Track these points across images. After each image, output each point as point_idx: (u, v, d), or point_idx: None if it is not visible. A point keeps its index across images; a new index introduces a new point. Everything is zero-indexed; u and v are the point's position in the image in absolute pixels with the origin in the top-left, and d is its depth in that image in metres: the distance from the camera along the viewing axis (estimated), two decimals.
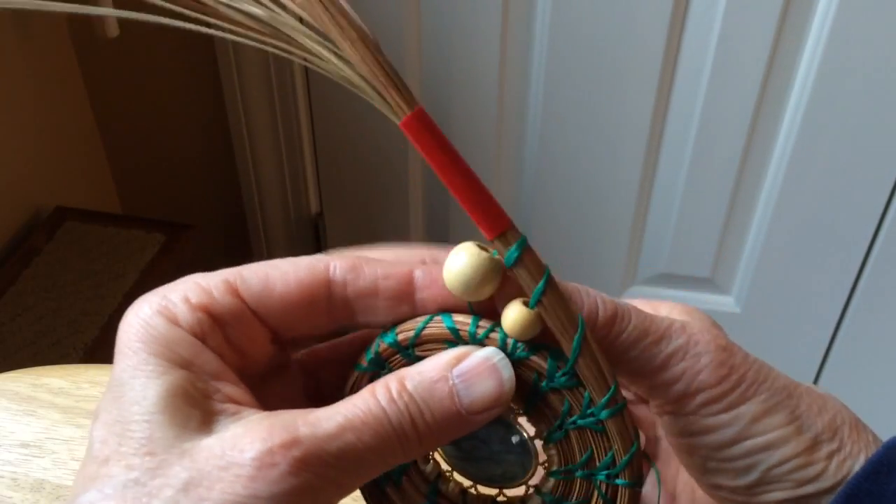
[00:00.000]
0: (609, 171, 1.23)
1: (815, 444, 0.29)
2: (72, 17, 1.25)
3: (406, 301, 0.29)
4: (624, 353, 0.29)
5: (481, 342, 0.28)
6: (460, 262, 0.27)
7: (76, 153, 1.34)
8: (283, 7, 0.25)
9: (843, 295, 1.26)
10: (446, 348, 0.28)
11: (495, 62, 1.16)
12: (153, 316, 0.27)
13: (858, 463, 0.29)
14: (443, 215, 1.35)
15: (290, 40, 0.26)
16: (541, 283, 0.27)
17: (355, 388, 0.30)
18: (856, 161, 1.13)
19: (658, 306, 0.33)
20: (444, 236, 1.38)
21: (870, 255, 1.21)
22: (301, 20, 0.26)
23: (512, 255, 0.27)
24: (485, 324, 0.28)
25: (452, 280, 0.28)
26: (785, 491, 0.30)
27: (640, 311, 0.30)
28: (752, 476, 0.29)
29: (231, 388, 0.27)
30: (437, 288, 0.29)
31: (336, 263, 0.29)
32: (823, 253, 1.23)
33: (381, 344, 0.29)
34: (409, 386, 0.27)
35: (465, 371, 0.27)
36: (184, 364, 0.26)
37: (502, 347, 0.28)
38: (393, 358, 0.29)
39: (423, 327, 0.29)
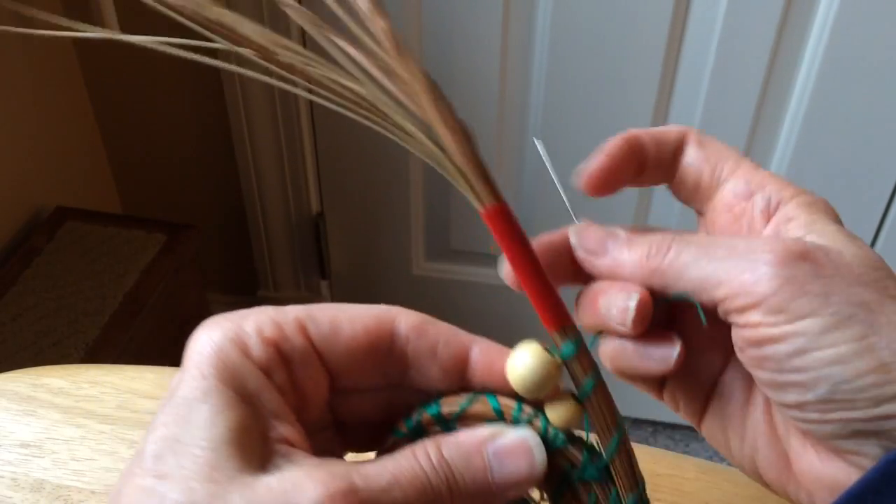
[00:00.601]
0: None
1: (893, 361, 0.28)
2: (73, 17, 1.25)
3: (458, 372, 0.30)
4: (684, 272, 0.31)
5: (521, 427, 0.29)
6: (524, 362, 0.29)
7: (77, 153, 1.34)
8: (384, 89, 0.27)
9: None
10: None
11: (496, 62, 1.16)
12: (226, 343, 0.28)
13: None
14: (443, 215, 1.35)
15: (383, 115, 0.27)
16: (591, 381, 0.28)
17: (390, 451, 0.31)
18: (857, 161, 1.13)
19: (783, 188, 0.34)
20: (445, 236, 1.38)
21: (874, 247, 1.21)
22: (391, 96, 0.27)
23: (569, 350, 0.28)
24: (529, 410, 0.29)
25: (515, 378, 0.29)
26: (860, 410, 0.28)
27: (700, 239, 0.31)
28: (821, 390, 0.28)
29: (287, 429, 0.28)
30: (490, 373, 0.30)
31: (403, 318, 0.30)
32: None
33: (424, 414, 0.30)
34: (447, 454, 0.28)
35: (501, 448, 0.28)
36: (249, 398, 0.27)
37: (543, 435, 0.29)
38: (433, 428, 0.30)
39: (469, 405, 0.29)
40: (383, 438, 0.31)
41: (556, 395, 0.29)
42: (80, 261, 1.17)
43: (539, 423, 0.29)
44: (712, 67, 1.09)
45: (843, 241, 0.32)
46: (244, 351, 0.28)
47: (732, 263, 0.30)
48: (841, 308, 0.29)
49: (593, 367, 0.28)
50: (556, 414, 0.29)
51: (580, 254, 0.33)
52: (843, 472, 0.30)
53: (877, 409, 0.28)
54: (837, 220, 0.33)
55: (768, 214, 0.34)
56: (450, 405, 0.30)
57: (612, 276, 0.33)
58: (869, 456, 0.29)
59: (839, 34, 1.03)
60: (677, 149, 0.36)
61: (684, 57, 1.11)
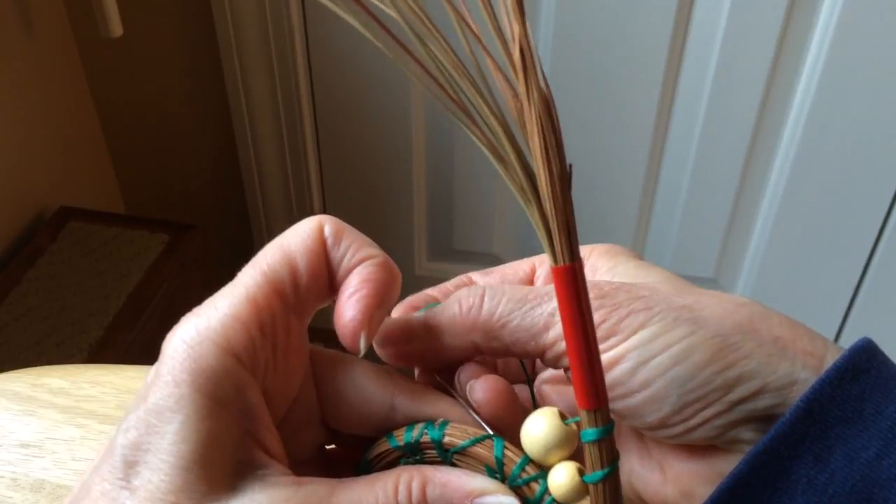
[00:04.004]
0: (613, 174, 1.23)
1: (725, 346, 0.29)
2: (75, 17, 1.25)
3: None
4: (508, 322, 0.30)
5: (518, 487, 0.28)
6: (539, 428, 0.28)
7: (80, 153, 1.34)
8: (491, 108, 0.24)
9: (847, 296, 1.26)
10: (483, 471, 0.28)
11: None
12: (201, 343, 0.27)
13: (787, 359, 0.29)
14: (446, 216, 1.35)
15: (486, 127, 0.25)
16: (608, 470, 0.27)
17: (379, 459, 0.30)
18: (860, 163, 1.13)
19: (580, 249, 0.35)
20: (448, 237, 1.38)
21: (873, 255, 1.21)
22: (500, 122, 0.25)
23: (592, 435, 0.27)
24: (530, 470, 0.28)
25: (527, 442, 0.28)
26: (715, 404, 0.29)
27: (513, 287, 0.31)
28: (672, 398, 0.29)
29: (263, 433, 0.27)
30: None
31: (327, 226, 0.30)
32: (827, 254, 1.22)
33: (425, 435, 0.29)
34: (430, 495, 0.27)
35: None
36: (225, 403, 0.26)
37: (537, 500, 0.28)
38: (429, 451, 0.29)
39: (472, 444, 0.29)
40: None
41: (565, 465, 0.28)
42: (84, 261, 1.17)
43: (538, 487, 0.28)
44: (715, 69, 1.09)
45: (645, 273, 0.33)
46: (221, 345, 0.27)
47: (555, 306, 0.30)
48: (665, 314, 0.29)
49: (613, 458, 0.27)
50: (558, 484, 0.27)
51: (389, 350, 0.32)
52: (724, 463, 0.30)
53: (730, 395, 0.29)
54: (634, 256, 0.35)
55: None
56: (453, 437, 0.29)
57: (431, 354, 0.32)
58: (747, 442, 0.29)
59: (842, 34, 1.02)
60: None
61: (687, 59, 1.10)
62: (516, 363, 0.36)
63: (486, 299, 0.31)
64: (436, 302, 0.34)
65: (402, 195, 1.33)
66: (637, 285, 0.31)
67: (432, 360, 0.32)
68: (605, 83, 1.15)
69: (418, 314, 0.32)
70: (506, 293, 0.31)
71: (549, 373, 0.35)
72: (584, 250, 0.35)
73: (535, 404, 0.35)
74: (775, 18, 1.04)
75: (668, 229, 1.27)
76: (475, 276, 0.37)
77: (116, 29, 1.18)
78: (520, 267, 0.36)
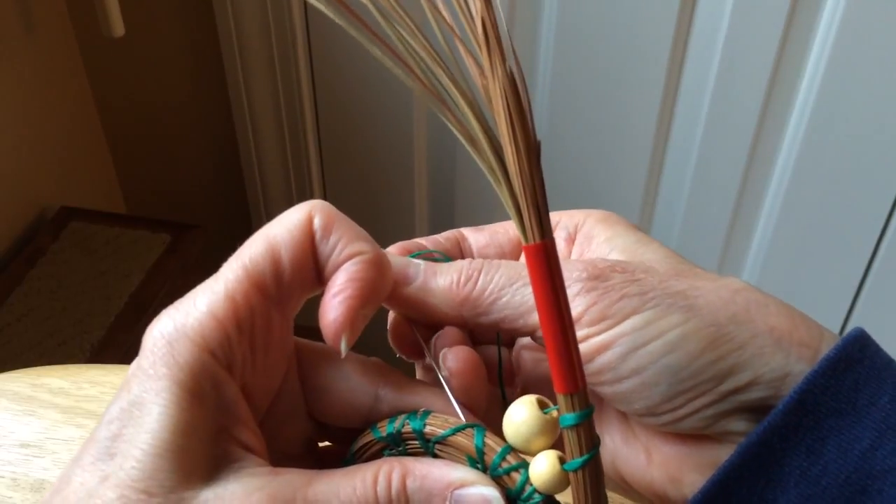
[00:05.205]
0: (615, 173, 1.23)
1: (719, 336, 0.28)
2: (77, 17, 1.25)
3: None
4: (498, 298, 0.30)
5: (499, 476, 0.28)
6: (520, 416, 0.28)
7: (81, 153, 1.34)
8: (460, 88, 0.24)
9: (850, 295, 1.26)
10: (465, 461, 0.28)
11: None
12: (179, 338, 0.26)
13: (781, 350, 0.29)
14: (447, 212, 1.35)
15: (458, 115, 0.25)
16: (587, 456, 0.26)
17: (363, 451, 0.30)
18: (863, 161, 1.13)
19: (574, 214, 0.35)
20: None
21: (875, 256, 1.20)
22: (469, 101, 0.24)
23: (570, 420, 0.26)
24: (511, 460, 0.28)
25: (508, 430, 0.28)
26: (708, 394, 0.28)
27: (510, 263, 0.31)
28: (663, 386, 0.28)
29: (241, 428, 0.27)
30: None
31: (317, 213, 0.30)
32: (829, 254, 1.22)
33: (407, 425, 0.29)
34: (410, 487, 0.27)
35: (464, 499, 0.27)
36: (203, 397, 0.26)
37: (518, 490, 0.27)
38: (411, 442, 0.29)
39: (453, 433, 0.28)
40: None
41: (546, 453, 0.27)
42: (85, 261, 1.17)
43: (519, 476, 0.27)
44: (717, 70, 1.09)
45: (643, 249, 0.32)
46: (198, 341, 0.26)
47: None
48: (659, 301, 0.29)
49: (593, 444, 0.26)
50: (538, 473, 0.27)
51: None
52: (714, 451, 0.30)
53: (722, 385, 0.28)
54: (631, 227, 0.34)
55: (571, 241, 0.35)
56: (434, 427, 0.29)
57: (418, 307, 0.31)
58: (737, 432, 0.29)
59: (844, 34, 1.02)
60: (460, 244, 0.36)
61: (689, 59, 1.10)
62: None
63: (481, 274, 0.31)
64: (426, 250, 0.34)
65: (404, 193, 1.33)
66: (633, 265, 0.30)
67: (416, 312, 0.32)
68: (607, 82, 1.15)
69: (418, 261, 0.32)
70: (501, 268, 0.31)
71: (528, 339, 0.35)
72: (580, 215, 0.35)
73: (502, 379, 0.35)
74: (778, 18, 1.03)
75: (671, 228, 1.27)
76: (466, 231, 0.36)
77: (118, 29, 1.17)
78: (510, 226, 0.36)
